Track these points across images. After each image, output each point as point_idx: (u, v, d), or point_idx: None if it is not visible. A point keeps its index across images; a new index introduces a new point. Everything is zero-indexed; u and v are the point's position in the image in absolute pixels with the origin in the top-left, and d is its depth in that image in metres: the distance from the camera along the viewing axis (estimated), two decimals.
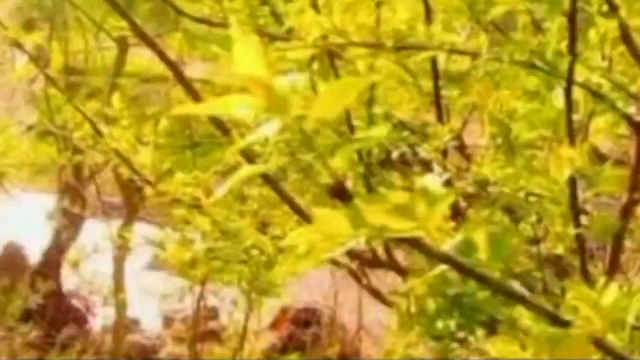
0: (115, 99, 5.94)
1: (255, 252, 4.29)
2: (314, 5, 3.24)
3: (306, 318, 13.45)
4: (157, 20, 15.81)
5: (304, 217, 2.97)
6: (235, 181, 1.34)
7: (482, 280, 1.60)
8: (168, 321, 15.29)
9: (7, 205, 14.35)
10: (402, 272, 3.73)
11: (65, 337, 14.16)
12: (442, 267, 1.74)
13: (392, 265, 3.80)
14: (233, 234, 4.31)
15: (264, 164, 1.43)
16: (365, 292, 12.35)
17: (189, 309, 14.35)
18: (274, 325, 13.57)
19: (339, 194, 1.41)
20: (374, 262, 3.91)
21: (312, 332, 13.25)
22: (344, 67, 3.44)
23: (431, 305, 3.24)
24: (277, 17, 4.92)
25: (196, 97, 3.18)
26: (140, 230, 13.68)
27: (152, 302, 14.39)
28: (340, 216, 1.41)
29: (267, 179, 2.95)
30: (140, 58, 14.91)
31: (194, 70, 15.53)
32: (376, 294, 4.66)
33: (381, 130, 1.49)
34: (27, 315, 14.00)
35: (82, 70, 15.09)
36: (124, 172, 5.82)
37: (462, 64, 4.42)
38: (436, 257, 1.54)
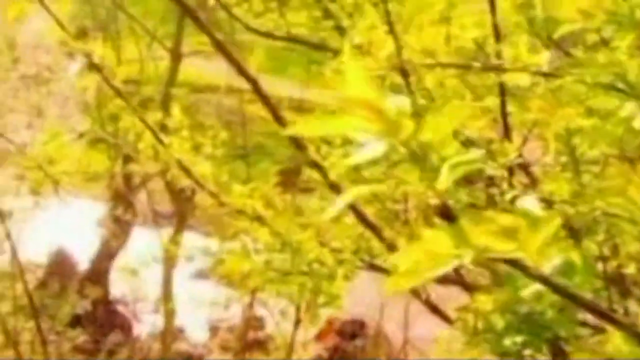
0: (175, 109, 6.01)
1: (316, 264, 4.32)
2: (388, 22, 3.27)
3: (352, 330, 13.47)
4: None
5: (374, 231, 3.00)
6: (347, 201, 1.38)
7: (578, 301, 1.62)
8: (214, 330, 15.38)
9: (57, 212, 14.54)
10: (469, 288, 3.74)
11: (111, 343, 14.31)
12: (536, 286, 1.76)
13: (459, 281, 3.81)
14: (294, 246, 4.35)
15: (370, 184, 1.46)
16: (412, 306, 12.35)
17: (235, 318, 14.45)
18: (320, 336, 13.60)
19: (445, 214, 1.44)
20: (441, 277, 3.89)
21: (358, 344, 13.26)
22: (414, 83, 3.46)
23: (499, 321, 3.25)
24: (341, 31, 4.96)
25: (275, 113, 3.22)
26: (188, 239, 13.81)
27: (199, 310, 14.49)
28: (445, 236, 1.44)
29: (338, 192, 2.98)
30: (191, 68, 15.08)
31: (243, 80, 15.63)
32: (434, 309, 4.67)
33: (478, 154, 1.51)
34: (75, 320, 14.18)
35: (133, 79, 15.24)
36: (182, 182, 5.88)
37: (521, 80, 4.42)
38: (534, 277, 1.56)
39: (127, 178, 14.03)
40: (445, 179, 1.42)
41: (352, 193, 1.39)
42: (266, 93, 3.44)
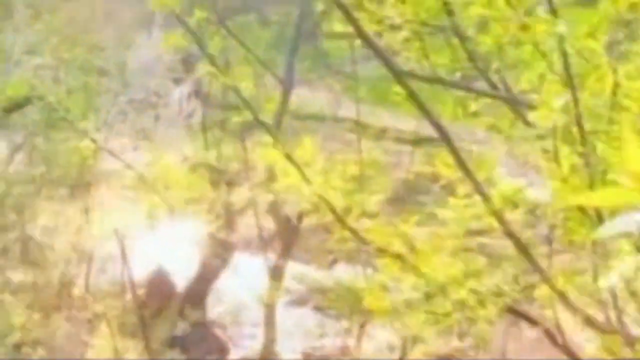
0: (308, 142, 6.10)
1: (459, 306, 4.34)
2: (567, 73, 3.29)
3: None
4: (312, 61, 16.17)
5: (543, 277, 3.00)
6: (627, 271, 1.42)
7: None
8: (306, 357, 15.42)
9: (158, 233, 14.80)
10: (631, 341, 3.72)
11: None
12: None
13: (623, 332, 3.78)
14: (438, 285, 4.37)
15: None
16: (510, 345, 12.17)
17: (328, 347, 14.47)
18: None
19: None
20: (606, 328, 3.88)
21: None
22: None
23: None
24: (482, 72, 5.02)
25: (461, 161, 3.26)
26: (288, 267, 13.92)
27: (293, 337, 14.56)
28: None
29: (515, 241, 3.01)
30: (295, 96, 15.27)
31: (347, 110, 15.76)
32: (572, 355, 4.63)
33: None
34: (172, 341, 14.38)
35: (235, 105, 15.46)
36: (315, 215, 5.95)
37: None
38: None
39: (229, 202, 14.24)
40: None
41: (632, 262, 1.43)
42: (453, 141, 3.48)
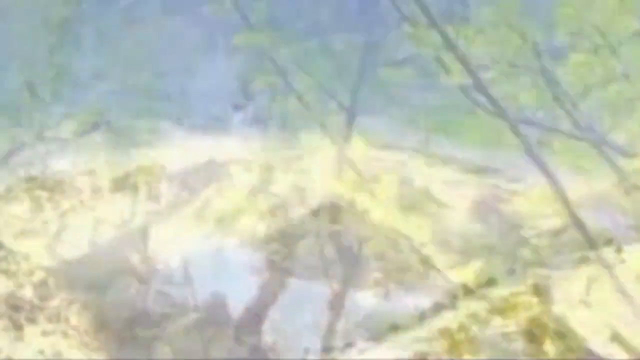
0: (386, 180, 6.13)
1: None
2: None
3: None
4: (374, 89, 16.19)
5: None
6: None
7: None
8: None
9: (215, 258, 14.88)
10: None
11: None
12: None
13: None
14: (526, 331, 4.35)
15: None
16: None
17: None
18: None
19: None
20: None
21: None
22: None
23: None
24: (569, 113, 4.99)
25: (569, 207, 3.25)
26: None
27: None
28: None
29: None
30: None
31: (408, 139, 15.68)
32: None
33: None
34: None
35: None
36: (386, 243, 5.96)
37: None
38: None
39: (289, 229, 14.28)
40: None
41: None
42: (562, 189, 3.48)
